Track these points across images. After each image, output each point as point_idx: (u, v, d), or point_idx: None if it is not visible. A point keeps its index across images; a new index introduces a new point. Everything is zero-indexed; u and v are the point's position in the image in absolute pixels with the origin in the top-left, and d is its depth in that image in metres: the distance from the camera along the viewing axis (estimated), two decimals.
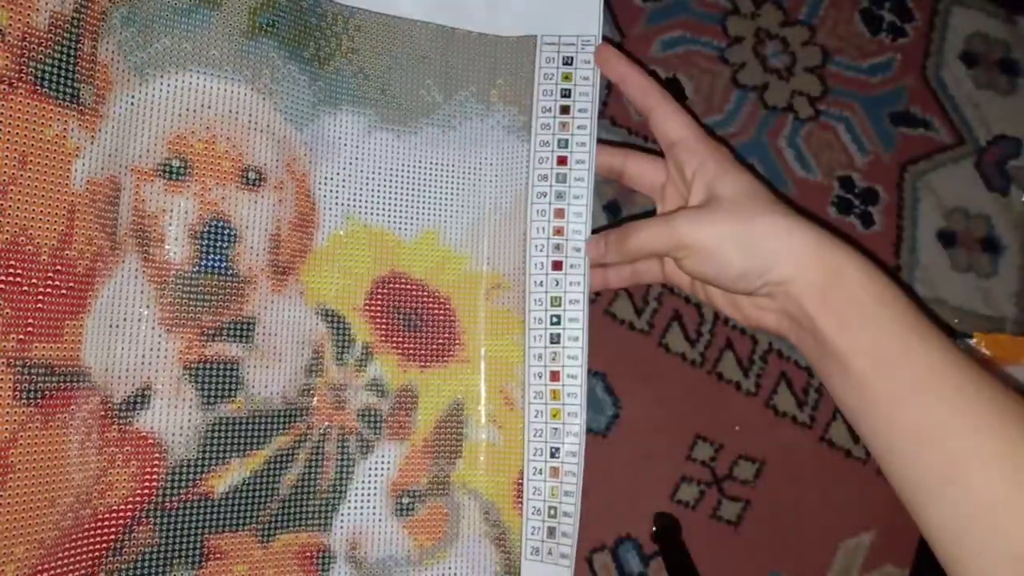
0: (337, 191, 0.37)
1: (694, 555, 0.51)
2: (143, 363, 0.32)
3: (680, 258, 0.34)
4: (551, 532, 0.37)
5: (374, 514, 0.37)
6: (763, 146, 0.59)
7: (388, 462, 0.37)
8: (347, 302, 0.37)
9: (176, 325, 0.33)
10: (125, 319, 0.32)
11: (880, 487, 0.53)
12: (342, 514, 0.36)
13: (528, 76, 0.39)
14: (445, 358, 0.39)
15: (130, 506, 0.32)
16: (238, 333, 0.34)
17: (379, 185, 0.38)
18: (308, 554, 0.36)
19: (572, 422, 0.37)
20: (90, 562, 0.31)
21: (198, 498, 0.33)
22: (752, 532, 0.55)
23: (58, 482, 0.30)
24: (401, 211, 0.39)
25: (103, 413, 0.31)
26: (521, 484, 0.38)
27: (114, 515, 0.31)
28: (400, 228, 0.39)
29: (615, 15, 0.58)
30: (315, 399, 0.36)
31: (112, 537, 0.31)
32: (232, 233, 0.34)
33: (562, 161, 0.38)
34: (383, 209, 0.38)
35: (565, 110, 0.38)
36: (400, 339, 0.38)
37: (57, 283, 0.30)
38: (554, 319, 0.38)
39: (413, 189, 0.39)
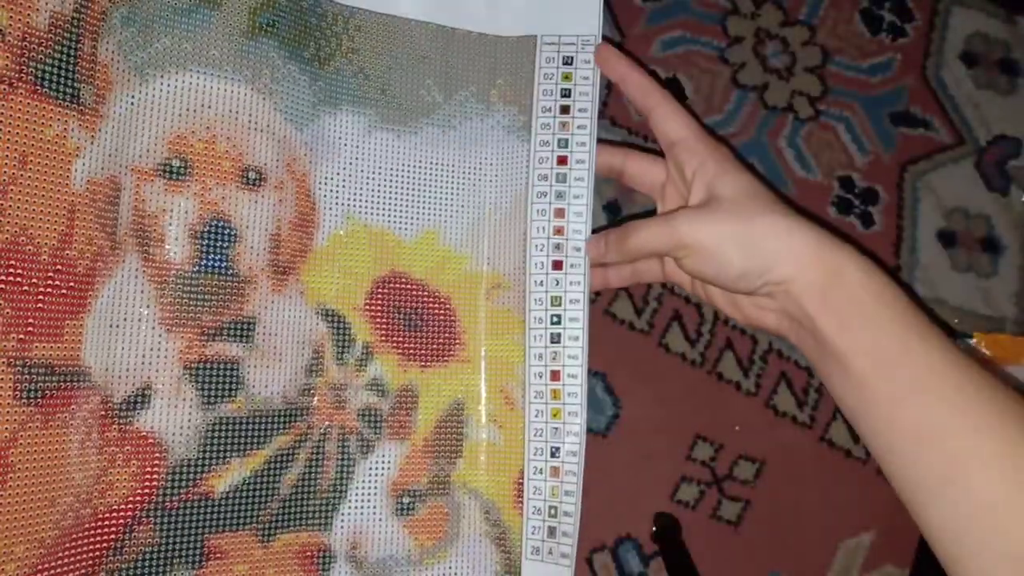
0: (337, 191, 0.37)
1: (694, 555, 0.51)
2: (143, 363, 0.32)
3: (680, 258, 0.34)
4: (551, 532, 0.37)
5: (374, 514, 0.37)
6: (763, 146, 0.59)
7: (388, 462, 0.37)
8: (347, 302, 0.37)
9: (176, 325, 0.33)
10: (125, 319, 0.32)
11: (880, 487, 0.53)
12: (342, 514, 0.36)
13: (528, 76, 0.39)
14: (445, 358, 0.39)
15: (130, 506, 0.32)
16: (238, 333, 0.34)
17: (379, 185, 0.38)
18: (308, 554, 0.36)
19: (572, 422, 0.37)
20: (90, 561, 0.31)
21: (198, 498, 0.33)
22: (752, 532, 0.55)
23: (58, 482, 0.30)
24: (401, 211, 0.39)
25: (103, 413, 0.31)
26: (522, 484, 0.38)
27: (114, 515, 0.31)
28: (400, 228, 0.39)
29: (615, 15, 0.58)
30: (315, 399, 0.36)
31: (112, 537, 0.31)
32: (232, 233, 0.34)
33: (562, 161, 0.38)
34: (383, 209, 0.38)
35: (565, 110, 0.38)
36: (400, 339, 0.38)
37: (57, 283, 0.30)
38: (554, 319, 0.38)
39: (413, 189, 0.39)
